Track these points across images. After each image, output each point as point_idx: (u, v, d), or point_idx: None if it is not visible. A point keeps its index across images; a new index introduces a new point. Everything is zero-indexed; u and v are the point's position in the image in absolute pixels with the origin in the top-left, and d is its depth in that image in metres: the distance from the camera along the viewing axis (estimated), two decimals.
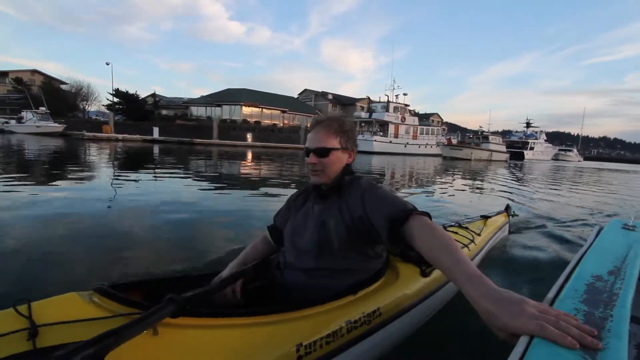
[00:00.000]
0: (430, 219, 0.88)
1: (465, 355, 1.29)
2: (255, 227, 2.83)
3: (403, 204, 0.91)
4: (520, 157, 40.78)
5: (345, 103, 53.13)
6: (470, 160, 25.92)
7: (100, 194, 4.22)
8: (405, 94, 32.63)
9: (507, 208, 2.97)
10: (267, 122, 35.97)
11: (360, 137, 27.81)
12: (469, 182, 8.93)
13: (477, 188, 7.57)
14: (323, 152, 1.06)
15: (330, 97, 51.91)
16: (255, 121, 34.47)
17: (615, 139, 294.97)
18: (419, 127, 33.35)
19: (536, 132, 49.14)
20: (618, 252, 0.97)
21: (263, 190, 5.33)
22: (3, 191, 3.94)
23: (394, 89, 31.97)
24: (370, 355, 1.01)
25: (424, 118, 42.70)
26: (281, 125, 36.79)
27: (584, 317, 0.58)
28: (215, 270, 1.19)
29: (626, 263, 0.88)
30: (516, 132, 53.32)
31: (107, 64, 28.94)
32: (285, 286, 1.09)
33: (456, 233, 1.86)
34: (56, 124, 23.97)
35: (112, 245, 2.30)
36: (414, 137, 31.88)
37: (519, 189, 7.55)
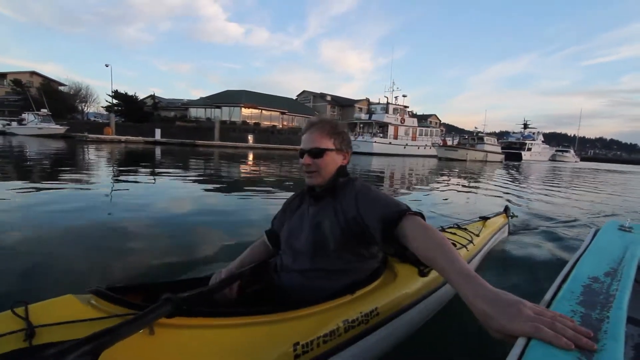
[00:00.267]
0: (424, 219, 0.89)
1: (464, 356, 1.29)
2: (257, 230, 2.76)
3: (396, 205, 0.92)
4: (518, 158, 41.11)
5: (343, 104, 53.37)
6: (465, 161, 26.06)
7: (106, 194, 4.28)
8: (404, 96, 33.03)
9: (506, 209, 2.98)
10: (266, 123, 36.12)
11: (360, 138, 28.12)
12: (467, 183, 8.96)
13: (476, 189, 7.59)
14: (317, 153, 1.07)
15: (328, 98, 52.13)
16: (255, 123, 34.62)
17: (612, 140, 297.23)
18: (418, 128, 33.70)
19: (533, 133, 49.62)
20: (614, 254, 0.98)
21: (266, 192, 5.33)
22: (9, 191, 4.02)
23: (393, 90, 32.33)
24: (368, 354, 1.02)
25: (422, 119, 43.01)
26: (280, 126, 36.95)
27: (581, 319, 0.58)
28: (213, 274, 1.20)
29: (622, 264, 0.89)
30: (514, 133, 53.81)
31: (107, 65, 29.00)
32: (282, 288, 1.09)
33: (454, 234, 1.86)
34: (58, 126, 24.02)
35: (112, 247, 2.31)
36: (413, 139, 32.21)
37: (517, 190, 7.61)
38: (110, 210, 3.41)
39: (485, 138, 33.46)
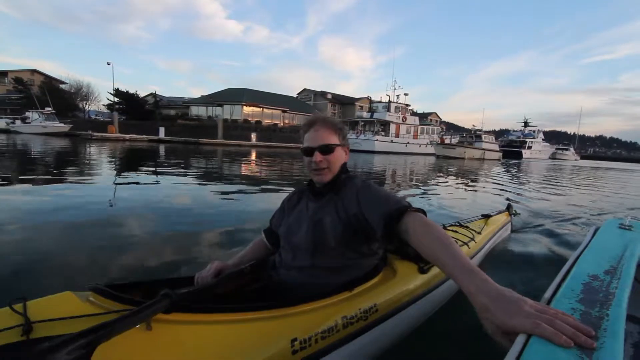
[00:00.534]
0: (426, 215, 0.89)
1: (464, 353, 1.30)
2: (260, 228, 2.76)
3: (398, 201, 0.92)
4: (519, 156, 41.30)
5: (344, 102, 53.54)
6: (463, 159, 26.05)
7: (111, 191, 4.36)
8: (406, 94, 33.13)
9: (509, 207, 2.98)
10: (267, 121, 36.25)
11: (362, 136, 28.26)
12: (469, 181, 8.94)
13: (477, 187, 7.58)
14: (328, 149, 1.06)
15: (329, 96, 52.30)
16: (256, 121, 34.73)
17: (612, 138, 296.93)
18: (420, 126, 33.84)
19: (534, 132, 49.70)
20: (614, 252, 0.98)
21: (269, 190, 5.32)
22: (16, 190, 4.07)
23: (395, 89, 32.41)
24: (367, 351, 1.02)
25: (422, 117, 43.14)
26: (282, 124, 37.07)
27: (581, 317, 0.58)
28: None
29: (622, 262, 0.89)
30: (514, 131, 53.87)
31: (108, 63, 29.17)
32: (281, 285, 1.09)
33: (456, 232, 1.87)
34: (62, 124, 24.08)
35: (114, 244, 2.32)
36: (415, 137, 32.33)
37: (518, 188, 7.60)
38: (112, 207, 3.47)
39: (483, 136, 33.50)
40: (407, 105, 32.91)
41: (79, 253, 2.14)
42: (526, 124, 52.83)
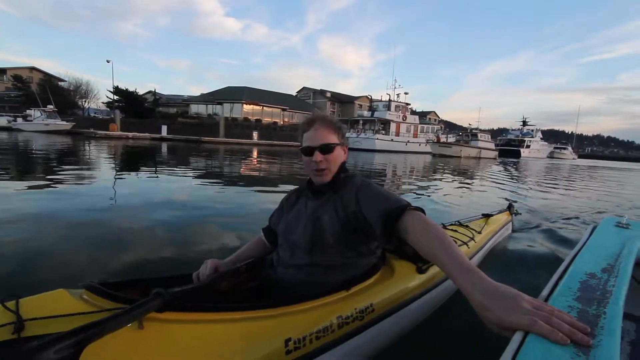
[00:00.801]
0: (425, 214, 0.89)
1: (462, 354, 1.29)
2: (260, 226, 2.75)
3: (397, 200, 0.92)
4: (517, 155, 41.55)
5: (343, 101, 53.65)
6: (459, 157, 26.08)
7: (116, 189, 4.39)
8: (406, 93, 33.40)
9: (510, 206, 2.97)
10: (267, 120, 36.33)
11: (362, 135, 28.44)
12: (468, 180, 8.96)
13: (477, 186, 7.57)
14: (328, 149, 1.06)
15: (328, 94, 52.38)
16: (256, 119, 34.83)
17: (609, 137, 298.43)
18: (420, 125, 34.07)
19: (532, 131, 49.94)
20: (611, 250, 0.98)
21: (271, 188, 5.30)
22: (25, 188, 4.10)
23: (395, 88, 32.61)
24: (363, 351, 1.01)
25: (421, 116, 43.36)
26: (281, 123, 37.17)
27: (578, 314, 0.59)
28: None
29: (619, 261, 0.89)
30: (512, 130, 54.13)
31: (108, 61, 29.14)
32: (278, 283, 1.09)
33: (455, 231, 1.86)
34: (64, 122, 24.12)
35: (113, 242, 2.32)
36: (415, 136, 32.55)
37: (518, 187, 7.61)
38: (115, 204, 3.50)
39: (479, 135, 33.60)
40: (408, 104, 33.14)
41: (78, 250, 2.13)
42: (524, 123, 53.10)
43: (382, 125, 30.84)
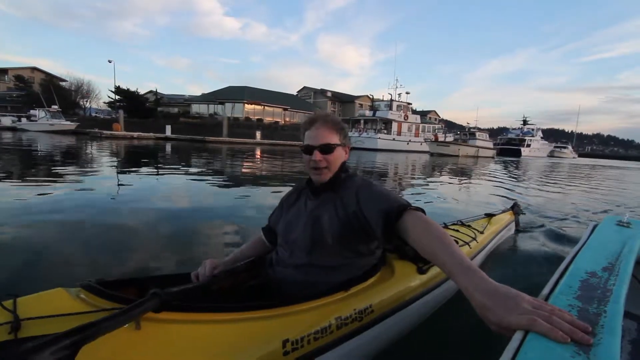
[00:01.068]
0: (425, 214, 0.89)
1: (464, 354, 1.28)
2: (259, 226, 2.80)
3: (397, 200, 0.92)
4: (517, 154, 41.69)
5: (344, 100, 53.74)
6: (457, 156, 26.03)
7: (127, 188, 4.47)
8: (407, 93, 33.56)
9: (514, 206, 2.95)
10: (269, 119, 36.46)
11: (364, 134, 28.61)
12: (469, 179, 8.94)
13: (479, 186, 7.52)
14: (328, 149, 1.05)
15: (329, 94, 52.45)
16: (258, 118, 34.96)
17: (609, 136, 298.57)
18: (421, 124, 34.25)
19: (532, 130, 50.04)
20: (612, 249, 0.98)
21: (276, 187, 5.30)
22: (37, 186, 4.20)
23: (396, 87, 32.80)
24: (362, 352, 1.00)
25: (422, 115, 43.52)
26: (283, 122, 37.30)
27: (578, 313, 0.58)
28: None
29: (620, 259, 0.89)
30: (513, 129, 54.25)
31: (110, 61, 29.15)
32: (277, 282, 1.09)
33: (457, 231, 1.84)
34: (69, 122, 24.25)
35: (112, 241, 2.32)
36: (416, 135, 32.72)
37: (520, 186, 7.57)
38: (120, 203, 3.55)
39: (477, 134, 33.56)
40: (409, 103, 33.34)
41: (79, 249, 2.14)
42: (525, 122, 53.24)
43: (384, 125, 31.02)
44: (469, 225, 2.02)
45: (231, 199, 4.27)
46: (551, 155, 51.63)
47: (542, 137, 50.58)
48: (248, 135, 26.78)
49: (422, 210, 0.90)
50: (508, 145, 45.17)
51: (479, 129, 36.75)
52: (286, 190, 1.33)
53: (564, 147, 56.84)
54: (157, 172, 6.50)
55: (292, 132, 31.12)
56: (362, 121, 32.82)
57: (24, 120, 25.63)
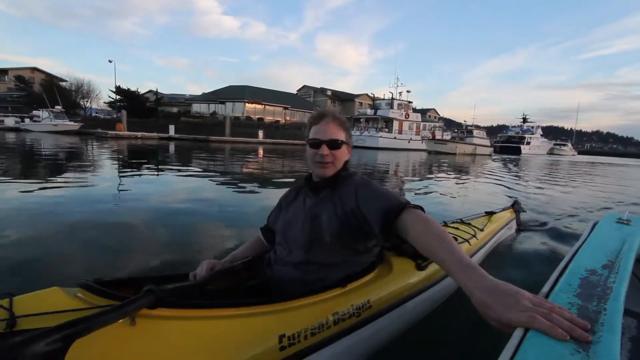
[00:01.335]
0: (424, 212, 0.89)
1: (463, 351, 1.28)
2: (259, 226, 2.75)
3: (396, 198, 0.92)
4: (517, 152, 41.82)
5: (343, 99, 53.74)
6: (454, 154, 26.01)
7: (133, 188, 4.52)
8: (408, 91, 33.66)
9: (515, 204, 2.95)
10: (269, 118, 36.55)
11: (366, 133, 28.77)
12: (469, 177, 8.95)
13: (479, 184, 7.52)
14: (336, 144, 1.06)
15: (329, 93, 52.47)
16: (258, 118, 35.05)
17: (608, 133, 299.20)
18: (422, 123, 34.42)
19: (532, 127, 50.12)
20: (612, 246, 0.98)
21: (278, 189, 5.30)
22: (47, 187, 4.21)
23: (397, 86, 32.95)
24: (360, 348, 1.00)
25: (422, 114, 43.64)
26: (283, 121, 37.39)
27: (578, 311, 0.58)
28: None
29: (620, 257, 0.89)
30: (513, 127, 54.35)
31: (110, 61, 29.30)
32: (275, 281, 1.09)
33: (457, 229, 1.84)
34: (73, 123, 24.27)
35: (113, 240, 2.34)
36: (417, 133, 32.88)
37: (520, 184, 7.58)
38: (122, 202, 3.57)
39: (474, 132, 33.52)
40: (410, 102, 33.49)
41: (79, 249, 2.16)
42: (525, 120, 53.35)
43: (385, 123, 31.17)
44: (468, 223, 2.04)
45: (236, 198, 4.29)
46: (551, 152, 51.78)
47: (541, 135, 50.68)
48: (249, 134, 26.87)
49: (422, 209, 0.91)
50: (508, 143, 45.27)
51: (477, 127, 36.78)
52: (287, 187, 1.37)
53: (564, 145, 56.99)
54: (160, 172, 6.62)
55: (292, 131, 31.23)
56: (363, 120, 32.98)
57: (27, 120, 25.64)
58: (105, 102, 39.28)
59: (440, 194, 5.62)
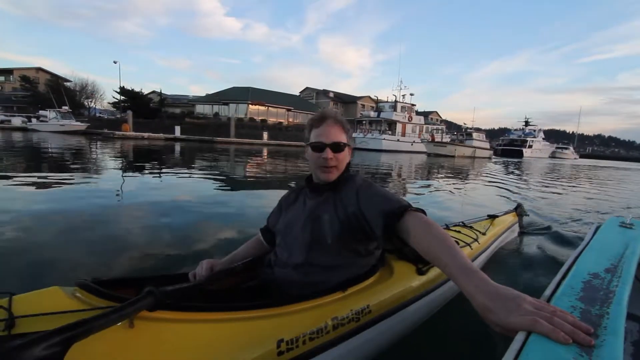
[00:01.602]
0: (426, 215, 0.88)
1: (466, 355, 1.27)
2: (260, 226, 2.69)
3: (398, 201, 0.92)
4: (519, 155, 41.92)
5: (346, 101, 53.96)
6: (454, 157, 26.08)
7: (136, 188, 4.57)
8: (412, 94, 33.84)
9: (518, 207, 2.93)
10: (272, 120, 36.73)
11: (369, 135, 28.96)
12: (471, 180, 8.96)
13: (481, 187, 7.52)
14: (339, 147, 1.05)
15: (331, 95, 52.73)
16: (262, 119, 35.24)
17: (610, 137, 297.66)
18: (425, 125, 34.61)
19: (534, 131, 50.21)
20: (615, 250, 0.97)
21: (279, 189, 5.32)
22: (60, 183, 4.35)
23: (401, 88, 33.17)
24: (359, 353, 0.99)
25: (425, 116, 43.80)
26: (286, 123, 37.58)
27: (581, 315, 0.58)
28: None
29: (623, 261, 0.89)
30: (515, 130, 54.43)
31: (115, 62, 29.75)
32: (275, 283, 1.08)
33: (459, 232, 1.83)
34: (79, 123, 24.49)
35: (114, 240, 2.34)
36: (420, 136, 33.06)
37: (522, 188, 7.56)
38: (124, 202, 3.64)
39: (473, 134, 33.66)
40: (413, 104, 33.70)
41: (79, 248, 2.16)
42: (527, 123, 53.39)
43: (389, 126, 31.37)
44: (471, 227, 2.01)
45: (241, 199, 4.33)
46: (553, 156, 51.81)
47: (543, 138, 50.76)
48: (253, 135, 27.06)
49: (423, 211, 0.90)
50: (510, 146, 45.45)
51: (477, 130, 36.85)
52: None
53: (566, 148, 57.02)
54: (165, 172, 6.73)
55: (295, 132, 31.40)
56: (366, 122, 33.18)
57: (34, 120, 25.84)
58: (109, 103, 39.58)
59: (442, 196, 5.62)
